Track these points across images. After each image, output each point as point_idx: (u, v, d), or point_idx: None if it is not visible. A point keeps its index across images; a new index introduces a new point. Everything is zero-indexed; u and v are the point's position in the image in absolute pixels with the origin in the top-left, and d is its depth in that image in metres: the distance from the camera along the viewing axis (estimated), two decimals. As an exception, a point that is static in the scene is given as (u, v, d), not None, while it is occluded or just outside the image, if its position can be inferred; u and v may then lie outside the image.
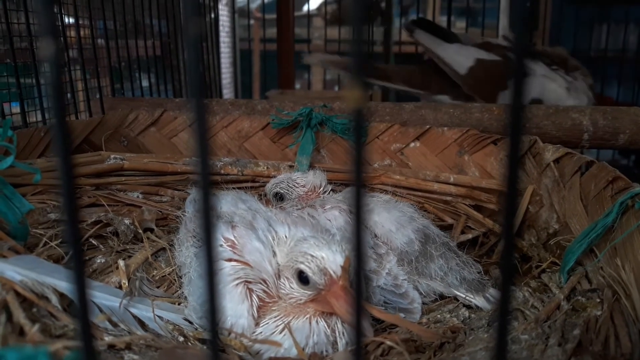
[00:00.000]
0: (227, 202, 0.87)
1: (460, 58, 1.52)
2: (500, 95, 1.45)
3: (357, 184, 0.25)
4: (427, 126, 1.07)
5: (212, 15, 2.44)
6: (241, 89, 3.11)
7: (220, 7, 2.60)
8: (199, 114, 0.25)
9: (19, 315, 0.55)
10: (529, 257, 0.88)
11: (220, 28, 2.60)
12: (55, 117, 0.24)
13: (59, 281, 0.65)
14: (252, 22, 3.31)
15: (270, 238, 0.72)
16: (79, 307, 0.28)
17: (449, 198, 1.01)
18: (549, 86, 1.49)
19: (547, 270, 0.82)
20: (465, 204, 1.00)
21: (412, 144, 1.07)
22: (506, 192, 0.29)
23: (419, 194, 1.02)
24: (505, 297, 0.28)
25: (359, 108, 0.22)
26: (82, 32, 1.39)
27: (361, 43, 0.21)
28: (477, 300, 0.77)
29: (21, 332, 0.54)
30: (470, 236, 0.97)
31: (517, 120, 0.29)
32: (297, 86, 3.06)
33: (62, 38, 1.31)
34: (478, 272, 0.82)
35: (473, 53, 1.53)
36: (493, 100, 1.44)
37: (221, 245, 0.71)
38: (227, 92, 2.77)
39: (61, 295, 0.64)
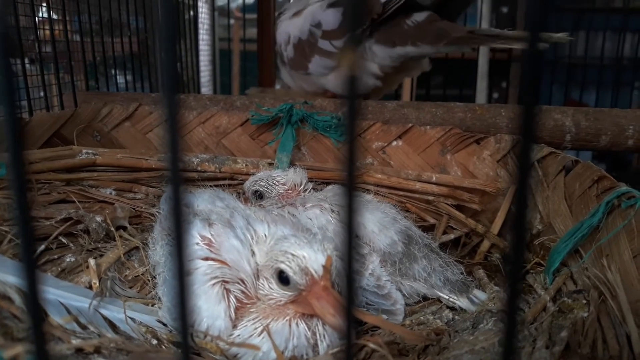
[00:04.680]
0: (204, 200, 0.84)
1: None
2: None
3: (349, 166, 0.22)
4: (410, 125, 1.05)
5: (192, 13, 2.41)
6: (220, 88, 3.06)
7: (199, 4, 2.56)
8: (170, 94, 0.23)
9: (-22, 317, 0.52)
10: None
11: (200, 26, 2.56)
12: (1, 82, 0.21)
13: (21, 280, 0.61)
14: (232, 21, 3.28)
15: (249, 236, 0.70)
16: (31, 302, 0.25)
17: (431, 198, 0.99)
18: None
19: (532, 271, 0.81)
20: (448, 204, 0.98)
21: (394, 143, 1.05)
22: (517, 199, 0.27)
23: (401, 193, 1.00)
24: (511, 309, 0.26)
25: (353, 74, 0.20)
26: (56, 27, 1.34)
27: (357, 4, 0.19)
28: (461, 302, 0.76)
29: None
30: (452, 236, 0.96)
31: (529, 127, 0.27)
32: (277, 87, 3.03)
33: (34, 31, 1.26)
34: (461, 273, 0.80)
35: None
36: None
37: (197, 244, 0.68)
38: (206, 91, 2.73)
39: (25, 296, 0.60)
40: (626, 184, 0.76)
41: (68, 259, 0.82)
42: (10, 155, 0.29)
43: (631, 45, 2.44)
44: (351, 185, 0.27)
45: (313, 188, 0.95)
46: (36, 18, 1.27)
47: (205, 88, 2.69)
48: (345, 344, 0.30)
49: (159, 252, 0.76)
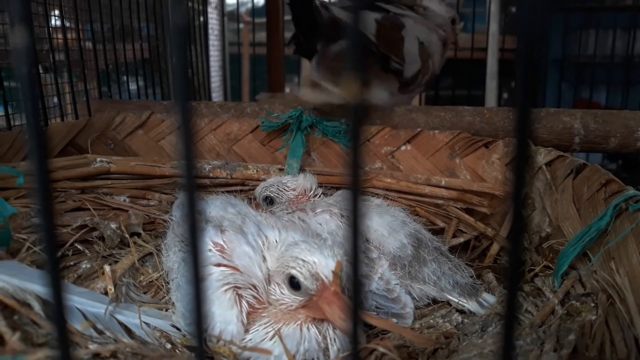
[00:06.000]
0: (216, 207, 0.85)
1: (368, 21, 1.28)
2: (404, 50, 1.29)
3: (354, 187, 0.23)
4: (418, 129, 1.06)
5: (202, 19, 2.43)
6: (230, 93, 3.08)
7: (209, 10, 2.59)
8: (183, 101, 0.24)
9: (-1, 323, 0.53)
10: (521, 261, 0.87)
11: (210, 32, 2.58)
12: (28, 110, 0.22)
13: (41, 287, 0.63)
14: (241, 26, 3.30)
15: (260, 242, 0.71)
16: (56, 310, 0.27)
17: (440, 201, 1.00)
18: (419, 27, 1.35)
19: (540, 274, 0.82)
20: (457, 208, 0.99)
21: (403, 147, 1.06)
22: (513, 199, 0.28)
23: (410, 197, 1.01)
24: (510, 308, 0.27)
25: (357, 103, 0.21)
26: (69, 35, 1.36)
27: (358, 31, 0.20)
28: (470, 305, 0.76)
29: (1, 341, 0.52)
30: (462, 240, 0.96)
31: (524, 125, 0.28)
32: (287, 90, 3.04)
33: (48, 40, 1.28)
34: (470, 277, 0.81)
35: (372, 15, 1.31)
36: (400, 55, 1.29)
37: (210, 250, 0.69)
38: (216, 96, 2.75)
39: (44, 302, 0.62)
40: (636, 185, 0.77)
41: (84, 266, 0.84)
42: (35, 164, 0.30)
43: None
44: (356, 190, 0.27)
45: (323, 193, 0.96)
46: (49, 27, 1.29)
47: (216, 93, 2.71)
48: (353, 347, 0.31)
49: (172, 258, 0.78)
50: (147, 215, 0.99)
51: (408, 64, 1.28)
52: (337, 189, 1.00)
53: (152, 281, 0.84)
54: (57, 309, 0.30)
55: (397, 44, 1.27)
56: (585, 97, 2.28)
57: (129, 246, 0.90)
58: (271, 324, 0.64)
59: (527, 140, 0.28)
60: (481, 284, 0.81)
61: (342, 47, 1.21)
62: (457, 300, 0.77)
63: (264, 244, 0.70)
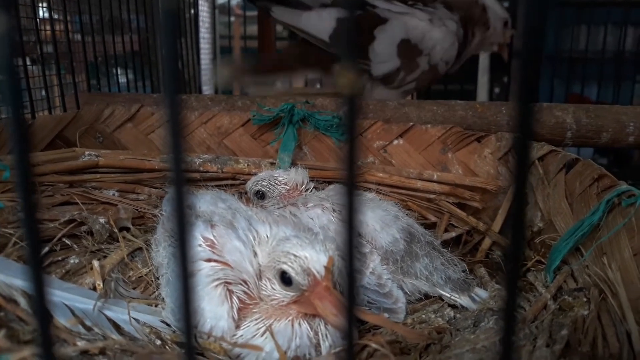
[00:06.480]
0: (206, 202, 0.85)
1: (321, 23, 1.29)
2: (370, 49, 1.29)
3: (349, 183, 0.22)
4: (411, 123, 1.06)
5: (192, 12, 2.41)
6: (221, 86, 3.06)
7: (200, 2, 2.56)
8: (171, 90, 0.23)
9: (-16, 320, 0.52)
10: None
11: (200, 24, 2.56)
12: (10, 99, 0.21)
13: (28, 283, 0.62)
14: (232, 18, 3.27)
15: (251, 237, 0.70)
16: (38, 306, 0.26)
17: (432, 196, 0.99)
18: (411, 23, 1.35)
19: (532, 269, 0.82)
20: (449, 202, 0.98)
21: (396, 142, 1.06)
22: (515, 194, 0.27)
23: (403, 191, 1.00)
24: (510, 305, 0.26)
25: (352, 94, 0.20)
26: (57, 27, 1.34)
27: (352, 21, 0.19)
28: (463, 300, 0.76)
29: (-14, 338, 0.51)
30: (453, 234, 0.96)
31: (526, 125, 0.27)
32: (278, 84, 3.02)
33: (36, 31, 1.26)
34: (463, 271, 0.80)
35: (333, 14, 1.30)
36: (365, 55, 1.29)
37: (200, 245, 0.69)
38: (207, 89, 2.72)
39: (31, 298, 0.61)
40: (627, 179, 0.77)
41: (72, 261, 0.82)
42: (16, 157, 0.29)
43: (633, 39, 2.44)
44: (352, 184, 0.27)
45: (315, 187, 0.95)
46: (37, 19, 1.27)
47: (207, 86, 2.69)
48: (347, 344, 0.31)
49: (162, 253, 0.77)
50: (137, 210, 0.98)
51: (376, 63, 1.27)
52: (329, 183, 1.00)
53: (142, 276, 0.83)
54: (39, 305, 0.29)
55: (359, 45, 1.27)
56: (577, 91, 2.28)
57: (118, 241, 0.89)
58: (262, 319, 0.63)
59: (528, 135, 0.27)
60: (473, 278, 0.81)
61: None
62: (449, 295, 0.77)
63: (255, 239, 0.70)
